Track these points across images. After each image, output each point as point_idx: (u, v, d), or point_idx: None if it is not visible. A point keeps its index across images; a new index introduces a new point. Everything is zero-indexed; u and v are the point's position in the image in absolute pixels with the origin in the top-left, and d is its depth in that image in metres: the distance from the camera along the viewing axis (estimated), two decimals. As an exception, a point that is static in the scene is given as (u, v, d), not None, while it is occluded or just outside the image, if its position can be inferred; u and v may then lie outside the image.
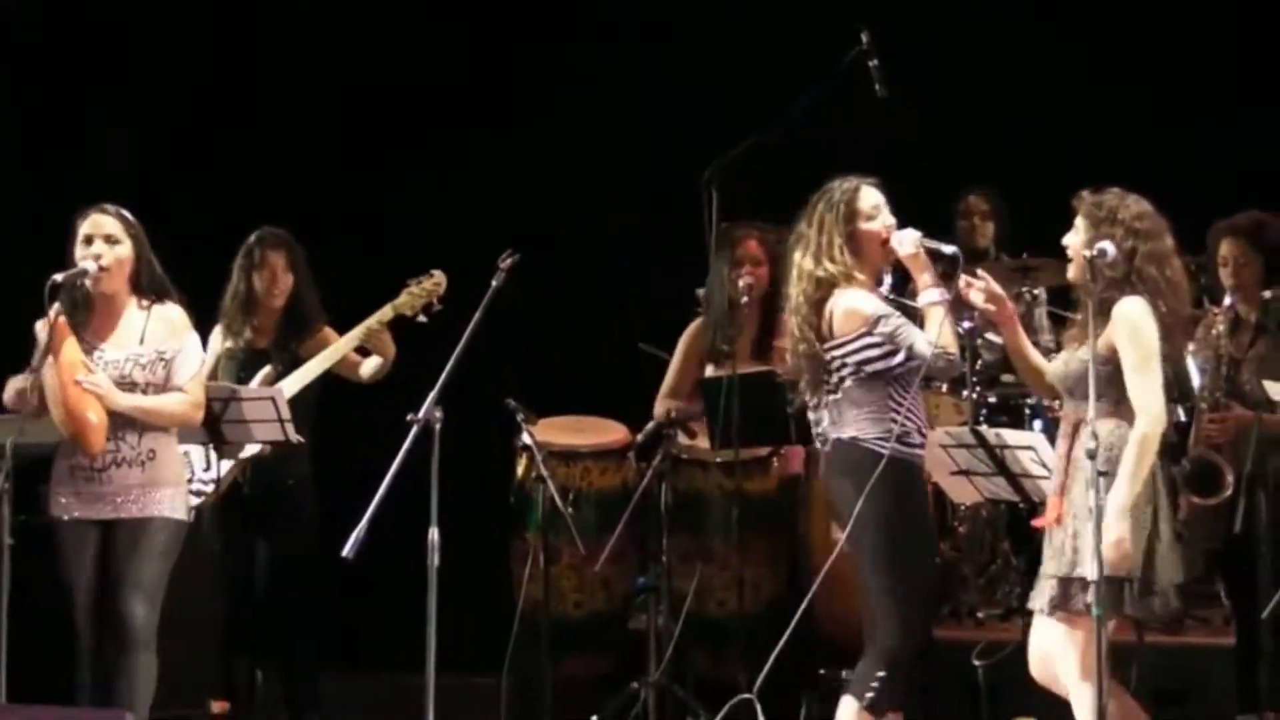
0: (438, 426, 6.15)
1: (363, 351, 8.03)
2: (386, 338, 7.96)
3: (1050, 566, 6.29)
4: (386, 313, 7.96)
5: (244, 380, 7.78)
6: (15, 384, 6.96)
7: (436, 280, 7.95)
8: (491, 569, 8.70)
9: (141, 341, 6.98)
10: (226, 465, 7.79)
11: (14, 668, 6.87)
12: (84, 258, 6.93)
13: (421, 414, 6.15)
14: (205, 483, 7.72)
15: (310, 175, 9.92)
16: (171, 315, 7.04)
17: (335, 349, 7.97)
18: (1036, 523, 6.41)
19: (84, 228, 6.97)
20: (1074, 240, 6.39)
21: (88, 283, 6.94)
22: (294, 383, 7.87)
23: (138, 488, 6.95)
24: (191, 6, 10.17)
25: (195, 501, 7.65)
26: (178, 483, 7.09)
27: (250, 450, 7.81)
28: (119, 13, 10.01)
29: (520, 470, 8.53)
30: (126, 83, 10.11)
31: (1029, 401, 9.08)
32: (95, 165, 9.96)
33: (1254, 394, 7.10)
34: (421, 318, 7.90)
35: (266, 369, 7.88)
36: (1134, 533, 6.16)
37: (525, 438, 8.29)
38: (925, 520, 6.90)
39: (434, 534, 6.14)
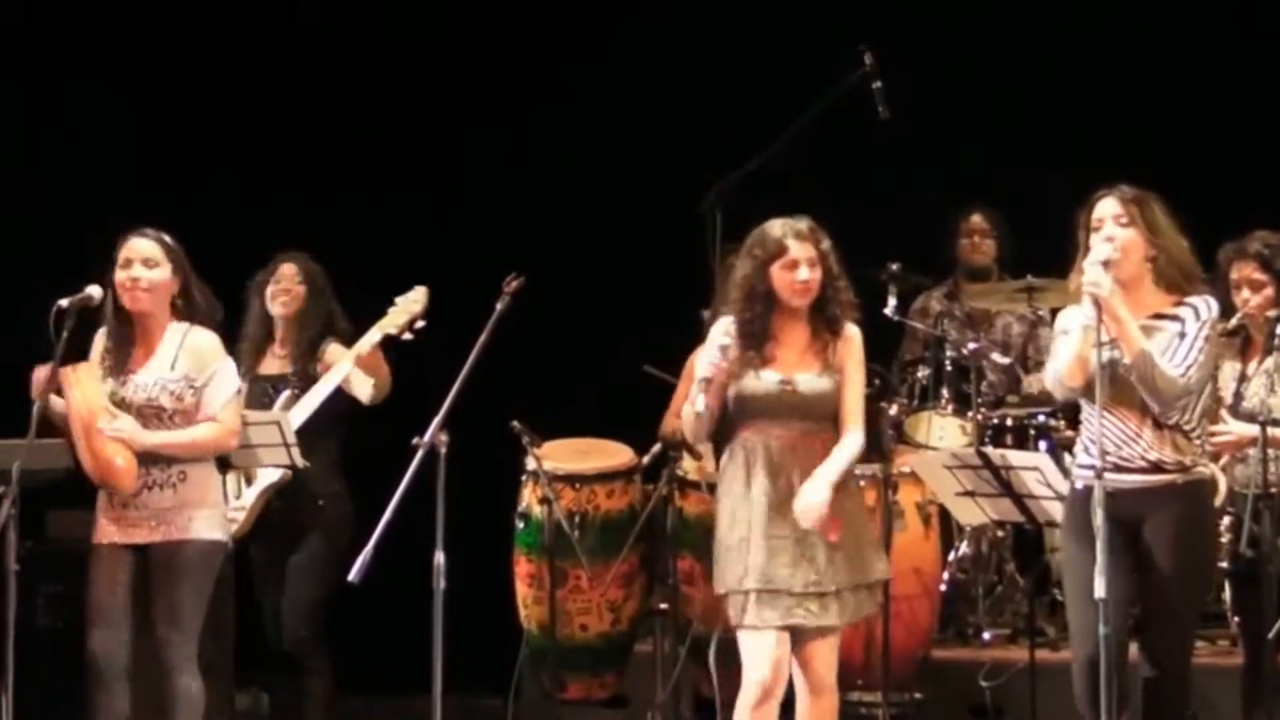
0: (443, 450, 6.16)
1: None
2: (377, 361, 7.90)
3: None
4: (374, 335, 7.90)
5: (267, 406, 7.77)
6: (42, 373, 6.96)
7: (415, 297, 7.88)
8: (497, 592, 8.70)
9: (173, 367, 6.98)
10: (253, 491, 7.79)
11: (21, 693, 6.87)
12: (121, 281, 6.94)
13: (427, 437, 6.15)
14: (236, 510, 7.71)
15: (309, 190, 9.94)
16: (203, 342, 7.00)
17: (337, 370, 7.93)
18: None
19: (123, 251, 6.98)
20: (811, 275, 6.59)
21: (125, 301, 6.94)
22: (304, 409, 7.85)
23: (171, 510, 6.91)
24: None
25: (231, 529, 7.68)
26: (213, 504, 7.02)
27: (276, 475, 7.79)
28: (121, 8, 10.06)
29: (526, 493, 8.54)
30: (127, 78, 10.14)
31: (1034, 422, 9.07)
32: (95, 155, 9.99)
33: (1258, 411, 7.08)
34: (407, 335, 7.84)
35: (285, 394, 7.89)
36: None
37: (531, 461, 8.30)
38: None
39: (440, 557, 6.14)
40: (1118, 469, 6.31)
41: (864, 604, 6.61)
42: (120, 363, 6.96)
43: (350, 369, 7.86)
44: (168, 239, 7.02)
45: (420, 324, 7.77)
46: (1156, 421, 6.42)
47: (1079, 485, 6.53)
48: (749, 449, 6.59)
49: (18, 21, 9.80)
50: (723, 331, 6.57)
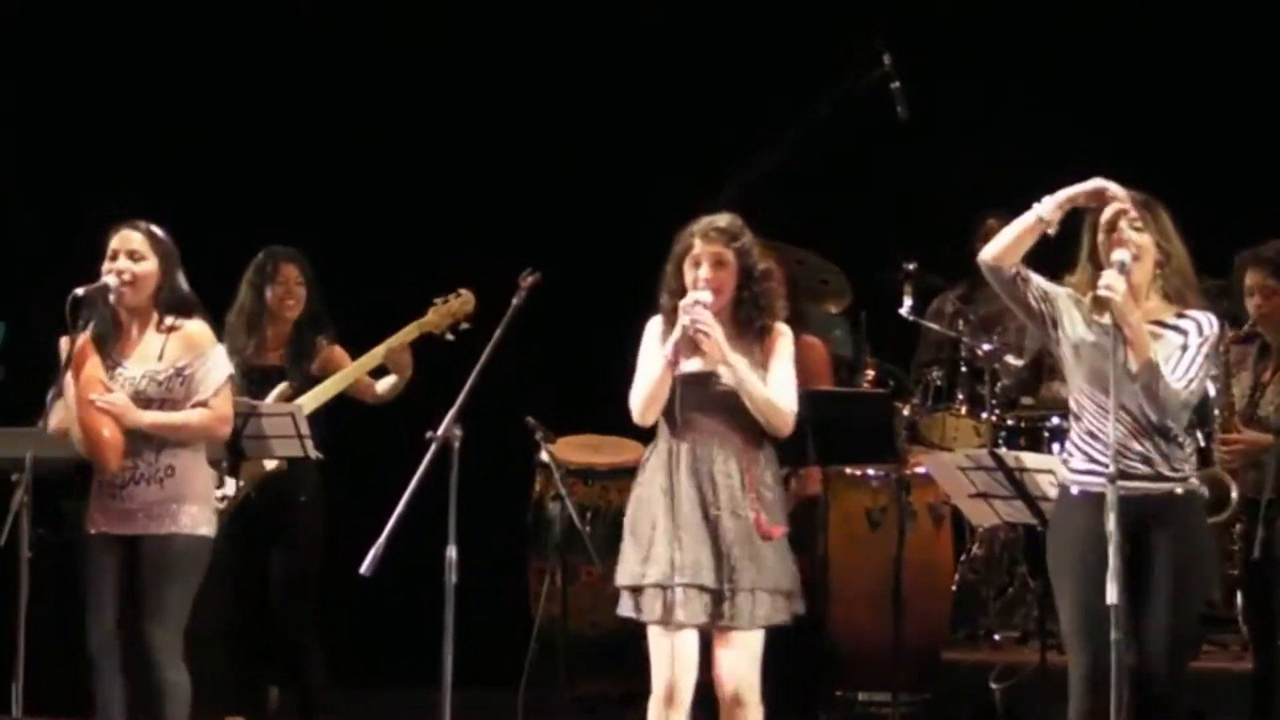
0: (457, 444, 6.16)
1: (376, 371, 8.00)
2: (407, 358, 7.93)
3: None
4: (411, 331, 7.92)
5: (257, 397, 7.76)
6: (58, 412, 6.95)
7: (464, 299, 7.92)
8: (509, 587, 8.71)
9: (160, 358, 6.96)
10: (233, 482, 7.78)
11: (31, 681, 6.88)
12: (108, 272, 6.95)
13: (440, 431, 6.15)
14: (219, 499, 7.72)
15: (322, 187, 9.95)
16: (193, 331, 6.99)
17: (357, 366, 7.93)
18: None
19: (112, 242, 6.99)
20: (713, 275, 6.46)
21: (110, 297, 6.95)
22: (312, 400, 7.86)
23: (158, 504, 6.91)
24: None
25: None
26: (201, 499, 6.99)
27: (268, 465, 7.80)
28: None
29: (538, 488, 8.55)
30: (128, 78, 10.16)
31: (1048, 425, 9.07)
32: (95, 154, 10.00)
33: (1272, 419, 7.09)
34: (449, 336, 7.87)
35: (282, 385, 7.87)
36: None
37: (543, 456, 8.30)
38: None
39: (452, 551, 6.15)
40: (1122, 475, 6.23)
41: (777, 611, 6.42)
42: (106, 354, 6.97)
43: (367, 368, 7.88)
44: (157, 231, 7.00)
45: (464, 326, 7.77)
46: (1154, 429, 6.31)
47: (1075, 491, 6.25)
48: (674, 441, 6.52)
49: (19, 21, 9.82)
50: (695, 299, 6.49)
